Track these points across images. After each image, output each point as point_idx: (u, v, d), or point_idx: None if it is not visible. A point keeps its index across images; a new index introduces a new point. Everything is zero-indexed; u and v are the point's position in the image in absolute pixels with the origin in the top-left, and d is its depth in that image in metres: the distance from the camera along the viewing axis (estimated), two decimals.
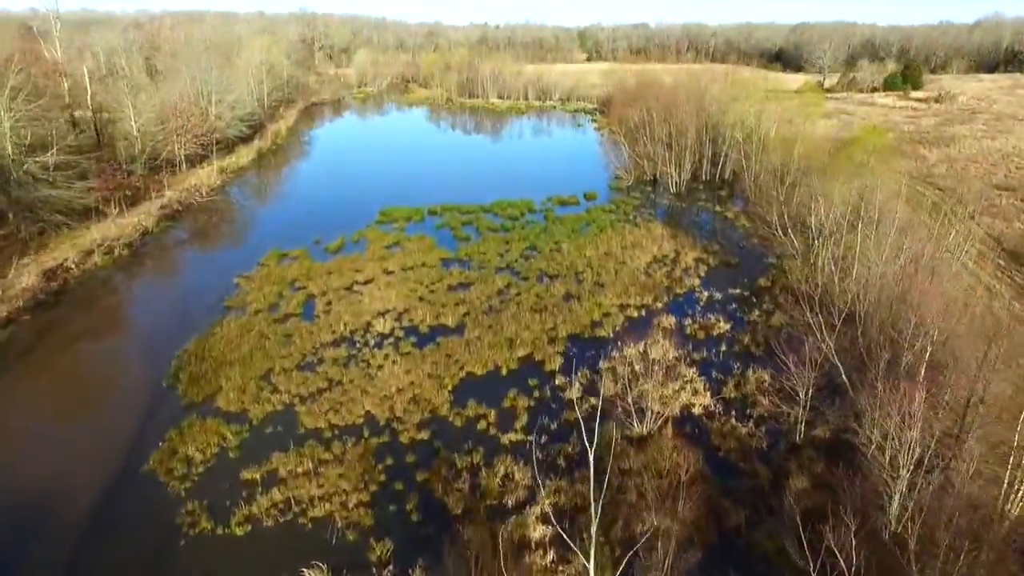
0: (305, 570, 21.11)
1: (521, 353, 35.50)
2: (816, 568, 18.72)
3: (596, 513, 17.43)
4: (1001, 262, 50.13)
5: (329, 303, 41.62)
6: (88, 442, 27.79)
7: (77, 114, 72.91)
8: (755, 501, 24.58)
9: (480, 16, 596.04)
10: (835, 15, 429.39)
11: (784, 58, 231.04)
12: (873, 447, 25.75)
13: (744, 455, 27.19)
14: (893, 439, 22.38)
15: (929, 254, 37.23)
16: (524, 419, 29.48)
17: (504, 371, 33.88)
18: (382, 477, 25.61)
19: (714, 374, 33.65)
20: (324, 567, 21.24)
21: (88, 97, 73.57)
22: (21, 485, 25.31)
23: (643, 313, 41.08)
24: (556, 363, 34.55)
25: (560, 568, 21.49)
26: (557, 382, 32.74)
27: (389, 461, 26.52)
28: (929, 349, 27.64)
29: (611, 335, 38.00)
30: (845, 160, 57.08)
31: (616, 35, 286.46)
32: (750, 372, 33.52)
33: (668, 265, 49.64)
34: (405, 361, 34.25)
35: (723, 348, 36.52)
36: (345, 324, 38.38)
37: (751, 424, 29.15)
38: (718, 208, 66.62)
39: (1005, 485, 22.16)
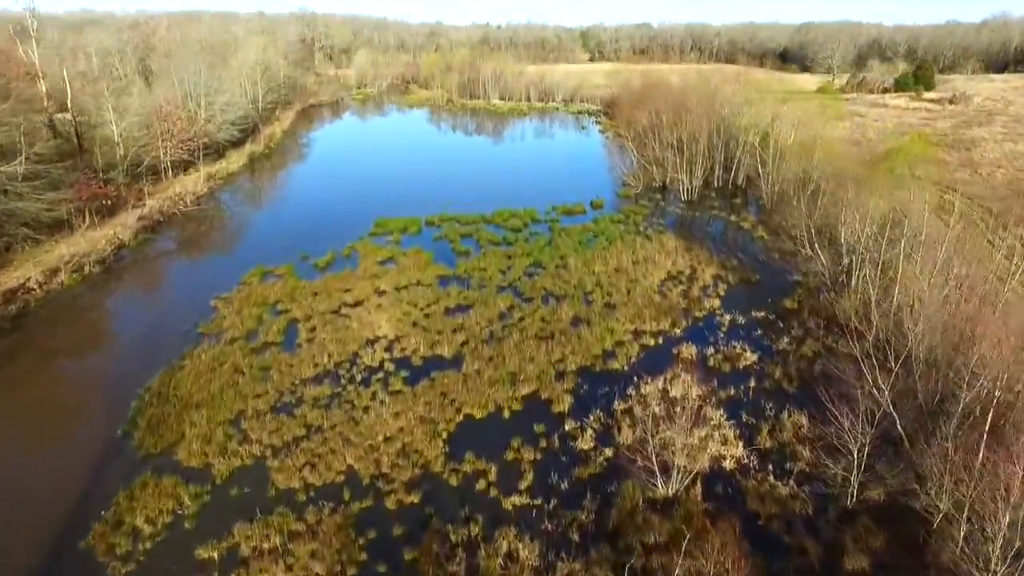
0: None
1: (525, 391, 31.58)
2: None
3: None
4: None
5: (313, 329, 37.73)
6: (20, 510, 23.80)
7: (58, 117, 69.16)
8: None
9: (482, 16, 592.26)
10: (838, 15, 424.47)
11: (789, 58, 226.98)
12: (940, 517, 21.88)
13: (788, 524, 23.23)
14: (976, 521, 18.50)
15: (981, 278, 33.38)
16: (530, 477, 25.54)
17: (506, 413, 29.97)
18: (363, 555, 21.67)
19: (744, 417, 29.70)
20: None
21: (68, 100, 69.72)
22: None
23: (660, 341, 37.15)
24: (565, 403, 30.62)
25: None
26: (567, 427, 28.81)
27: (372, 534, 22.57)
28: (997, 396, 23.73)
29: (626, 368, 34.07)
30: (885, 170, 52.70)
31: (619, 35, 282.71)
32: (785, 415, 29.58)
33: (684, 283, 45.73)
34: (395, 402, 30.34)
35: (751, 384, 32.57)
36: (329, 355, 34.49)
37: (792, 483, 25.18)
38: (733, 217, 62.66)
39: None
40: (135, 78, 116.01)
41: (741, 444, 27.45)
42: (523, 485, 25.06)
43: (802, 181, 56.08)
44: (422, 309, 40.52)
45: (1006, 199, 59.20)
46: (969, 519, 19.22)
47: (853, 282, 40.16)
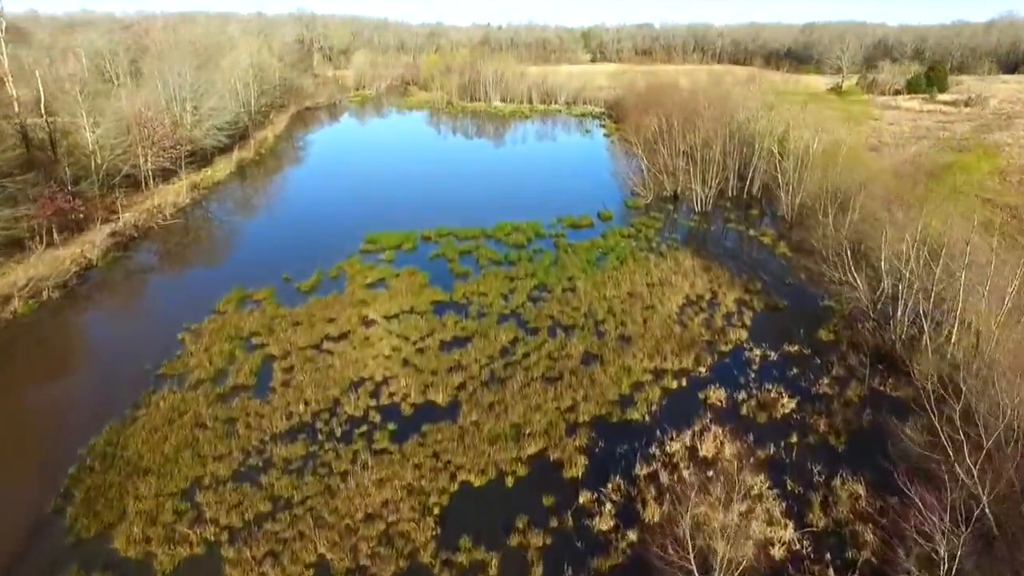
0: None
1: (532, 449, 27.15)
2: None
3: None
4: None
5: (291, 369, 33.31)
6: None
7: (30, 122, 64.76)
8: None
9: (482, 17, 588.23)
10: (842, 15, 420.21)
11: (794, 59, 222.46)
12: None
13: None
14: None
15: None
16: (539, 571, 21.11)
17: (510, 480, 25.50)
18: None
19: (790, 484, 25.24)
20: None
21: (42, 105, 65.36)
22: None
23: (684, 383, 32.69)
24: (578, 466, 26.17)
25: None
26: (582, 500, 24.33)
27: None
28: None
29: (647, 418, 29.63)
30: (949, 189, 47.76)
31: (620, 35, 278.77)
32: (837, 481, 25.14)
33: (705, 309, 41.30)
34: (379, 465, 25.90)
35: (793, 438, 28.11)
36: (306, 403, 30.10)
37: None
38: (751, 231, 58.22)
39: None
40: (126, 80, 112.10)
41: (791, 524, 22.97)
42: None
43: (829, 194, 51.56)
44: (415, 343, 36.09)
45: None
46: None
47: (899, 312, 35.71)
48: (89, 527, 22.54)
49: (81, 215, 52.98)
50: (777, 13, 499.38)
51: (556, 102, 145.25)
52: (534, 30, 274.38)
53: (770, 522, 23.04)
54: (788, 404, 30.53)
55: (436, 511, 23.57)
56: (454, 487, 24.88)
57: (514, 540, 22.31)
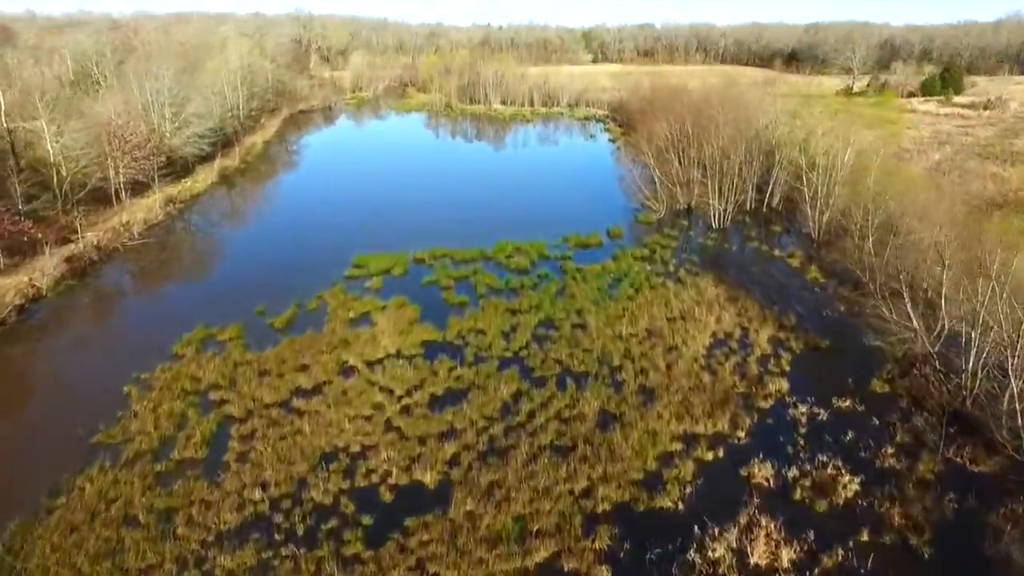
0: None
1: (541, 555, 21.69)
2: None
3: None
4: None
5: (251, 435, 27.92)
6: None
7: None
8: None
9: (482, 17, 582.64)
10: (843, 15, 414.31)
11: (798, 59, 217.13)
12: None
13: None
14: None
15: None
16: None
17: None
18: None
19: None
20: None
21: (1, 114, 59.99)
22: None
23: (720, 453, 27.28)
24: None
25: None
26: None
27: None
28: None
29: (680, 506, 24.22)
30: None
31: (622, 36, 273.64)
32: None
33: (736, 351, 35.93)
34: None
35: (863, 535, 22.66)
36: (264, 485, 24.68)
37: None
38: (776, 252, 52.85)
39: None
40: (113, 82, 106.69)
41: None
42: None
43: (867, 211, 46.10)
44: (400, 399, 30.70)
45: None
46: None
47: (970, 361, 30.32)
48: None
49: (36, 236, 47.58)
50: (779, 13, 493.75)
51: (558, 104, 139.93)
52: (534, 30, 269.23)
53: None
54: (851, 485, 25.10)
55: None
56: None
57: None
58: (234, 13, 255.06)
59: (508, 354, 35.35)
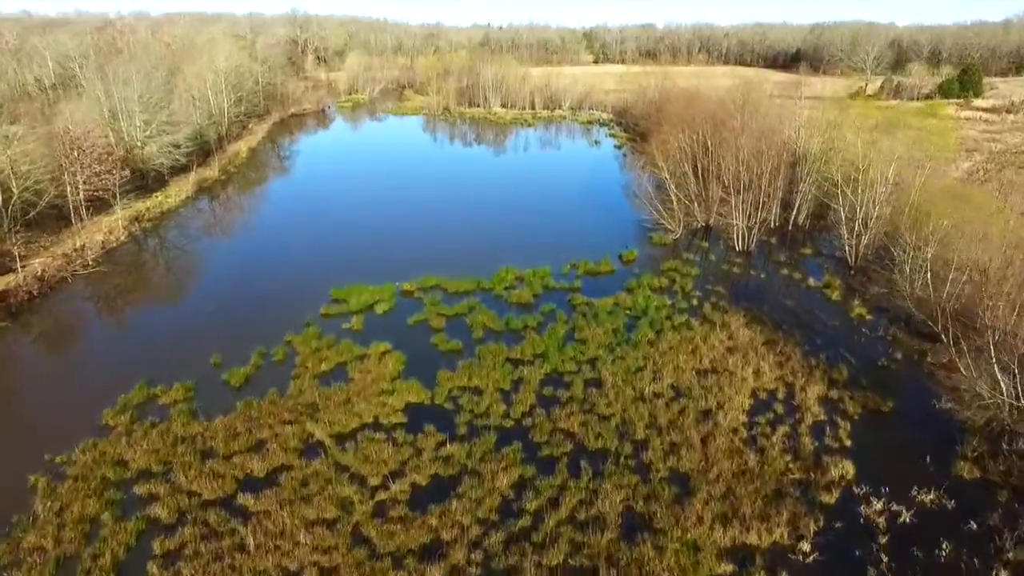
0: None
1: None
2: None
3: None
4: None
5: (178, 551, 21.74)
6: None
7: None
8: None
9: (483, 17, 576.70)
10: (845, 15, 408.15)
11: (803, 60, 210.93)
12: None
13: None
14: None
15: None
16: None
17: None
18: None
19: None
20: None
21: None
22: None
23: None
24: None
25: None
26: None
27: None
28: None
29: None
30: None
31: (624, 36, 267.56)
32: None
33: (783, 418, 29.78)
34: None
35: None
36: None
37: None
38: (811, 281, 46.67)
39: None
40: (96, 84, 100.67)
41: None
42: None
43: (923, 239, 39.89)
44: (374, 492, 24.54)
45: None
46: None
47: None
48: None
49: None
50: (782, 13, 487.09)
51: (560, 108, 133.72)
52: (535, 31, 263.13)
53: None
54: None
55: None
56: None
57: None
58: (232, 13, 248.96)
59: (509, 423, 29.21)
